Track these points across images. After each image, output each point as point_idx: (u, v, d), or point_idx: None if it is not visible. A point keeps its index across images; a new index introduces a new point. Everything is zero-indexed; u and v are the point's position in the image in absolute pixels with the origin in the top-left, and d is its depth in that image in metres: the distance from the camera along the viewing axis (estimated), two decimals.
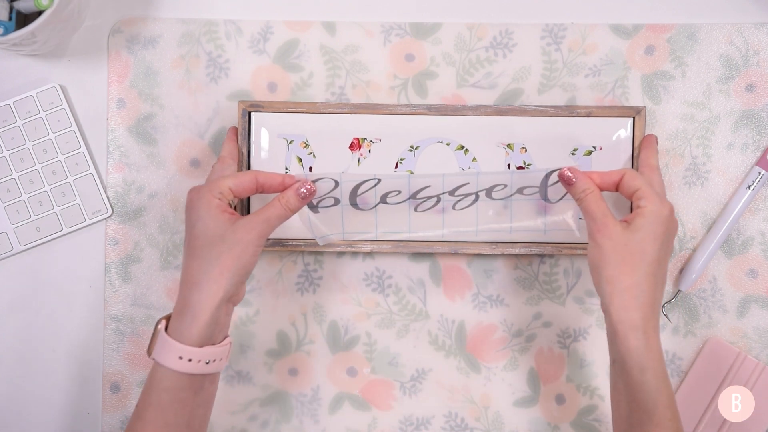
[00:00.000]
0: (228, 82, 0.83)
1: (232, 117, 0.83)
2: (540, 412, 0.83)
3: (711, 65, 0.82)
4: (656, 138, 0.79)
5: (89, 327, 0.84)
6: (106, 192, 0.84)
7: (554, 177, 0.76)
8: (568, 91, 0.83)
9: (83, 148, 0.83)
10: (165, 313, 0.83)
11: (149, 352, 0.70)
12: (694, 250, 0.82)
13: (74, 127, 0.83)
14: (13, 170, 0.83)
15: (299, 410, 0.84)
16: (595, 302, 0.83)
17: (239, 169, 0.79)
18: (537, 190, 0.77)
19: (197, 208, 0.70)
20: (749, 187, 0.81)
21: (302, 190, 0.73)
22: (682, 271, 0.82)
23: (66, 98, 0.83)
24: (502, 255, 0.83)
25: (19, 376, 0.84)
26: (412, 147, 0.80)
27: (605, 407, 0.83)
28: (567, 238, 0.79)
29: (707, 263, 0.82)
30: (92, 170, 0.83)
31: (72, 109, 0.84)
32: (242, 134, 0.79)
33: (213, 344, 0.69)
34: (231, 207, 0.72)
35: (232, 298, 0.70)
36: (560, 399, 0.83)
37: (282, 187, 0.74)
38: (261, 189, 0.73)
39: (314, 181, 0.75)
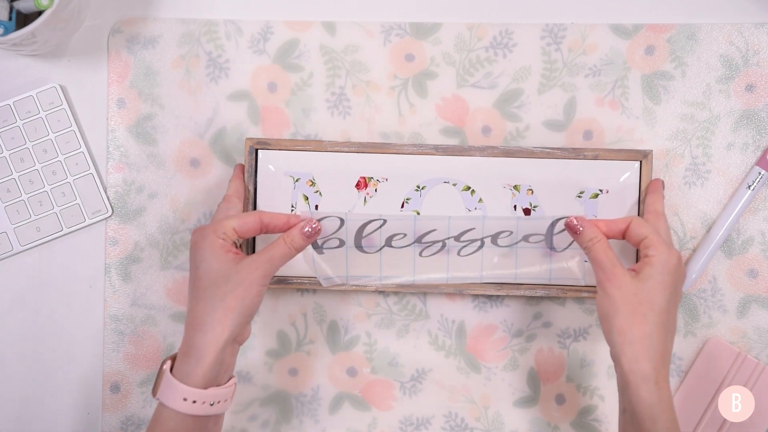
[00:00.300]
0: (228, 82, 0.83)
1: (232, 117, 0.83)
2: (540, 412, 0.83)
3: (711, 65, 0.82)
4: (663, 183, 0.79)
5: (89, 327, 0.84)
6: (106, 192, 0.84)
7: (560, 225, 0.77)
8: (568, 91, 0.83)
9: (83, 148, 0.83)
10: (164, 313, 0.83)
11: (154, 392, 0.70)
12: (694, 250, 0.82)
13: (74, 127, 0.83)
14: (13, 170, 0.83)
15: (299, 410, 0.84)
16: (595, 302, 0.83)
17: (245, 208, 0.79)
18: (542, 238, 0.78)
19: (201, 249, 0.71)
20: (749, 187, 0.81)
21: (307, 229, 0.73)
22: None
23: (66, 98, 0.83)
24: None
25: (19, 376, 0.84)
26: (418, 187, 0.80)
27: (605, 407, 0.83)
28: (572, 282, 0.80)
29: (707, 263, 0.82)
30: (92, 170, 0.83)
31: (72, 109, 0.84)
32: (249, 171, 0.80)
33: (218, 385, 0.69)
34: (236, 246, 0.72)
35: (237, 338, 0.71)
36: (560, 399, 0.83)
37: (287, 226, 0.74)
38: (265, 229, 0.74)
39: (320, 220, 0.76)
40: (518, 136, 0.83)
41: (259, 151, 0.80)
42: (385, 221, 0.78)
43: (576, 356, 0.83)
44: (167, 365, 0.70)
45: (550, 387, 0.83)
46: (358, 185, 0.80)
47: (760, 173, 0.81)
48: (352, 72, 0.83)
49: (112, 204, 0.84)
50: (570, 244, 0.78)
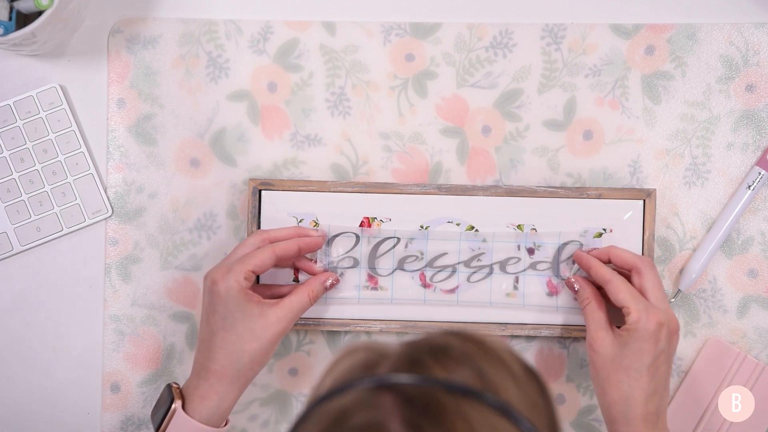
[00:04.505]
0: (228, 82, 0.83)
1: (232, 117, 0.83)
2: None
3: (711, 65, 0.82)
4: (582, 251, 0.79)
5: (89, 327, 0.84)
6: (106, 192, 0.84)
7: (566, 252, 0.79)
8: (568, 91, 0.83)
9: (83, 148, 0.83)
10: (164, 313, 0.83)
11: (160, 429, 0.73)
12: (694, 250, 0.82)
13: (74, 127, 0.83)
14: (13, 170, 0.83)
15: (299, 410, 0.84)
16: None
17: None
18: (549, 265, 0.80)
19: (224, 301, 0.72)
20: (749, 187, 0.81)
21: (327, 283, 0.77)
22: (682, 271, 0.82)
23: (66, 98, 0.83)
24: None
25: (19, 376, 0.84)
26: (422, 226, 0.80)
27: None
28: (577, 321, 0.80)
29: (707, 263, 0.82)
30: (92, 170, 0.83)
31: (72, 109, 0.84)
32: (252, 212, 0.80)
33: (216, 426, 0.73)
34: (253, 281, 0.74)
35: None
36: (560, 399, 0.83)
37: (298, 253, 0.76)
38: (279, 262, 0.76)
39: (335, 236, 0.79)
40: (518, 136, 0.83)
41: (262, 191, 0.80)
42: (398, 239, 0.80)
43: (576, 356, 0.83)
44: (178, 404, 0.72)
45: (550, 387, 0.83)
46: (361, 225, 0.80)
47: (760, 173, 0.81)
48: (352, 72, 0.83)
49: (112, 204, 0.84)
50: (575, 272, 0.80)
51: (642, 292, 0.73)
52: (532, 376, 0.51)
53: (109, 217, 0.84)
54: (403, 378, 0.47)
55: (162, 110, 0.84)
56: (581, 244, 0.80)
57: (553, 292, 0.80)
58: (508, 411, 0.46)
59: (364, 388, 0.47)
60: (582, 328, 0.80)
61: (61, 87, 0.83)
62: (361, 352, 0.51)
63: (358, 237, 0.80)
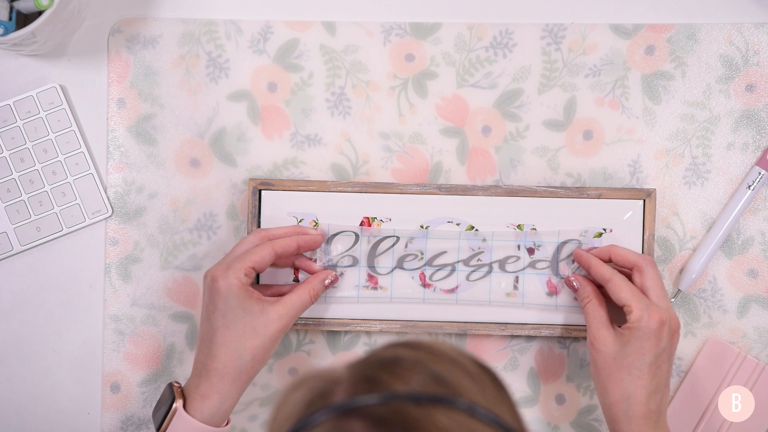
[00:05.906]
0: (228, 82, 0.83)
1: (232, 117, 0.83)
2: (540, 412, 0.83)
3: (711, 65, 0.82)
4: (581, 249, 0.79)
5: (89, 327, 0.84)
6: (106, 192, 0.84)
7: (565, 251, 0.80)
8: (568, 91, 0.83)
9: (83, 148, 0.83)
10: (164, 313, 0.83)
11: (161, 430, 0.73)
12: (694, 250, 0.82)
13: (74, 127, 0.83)
14: (13, 170, 0.83)
15: None
16: None
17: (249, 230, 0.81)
18: (548, 264, 0.80)
19: (225, 298, 0.72)
20: (749, 187, 0.81)
21: (327, 281, 0.77)
22: (682, 271, 0.82)
23: (66, 98, 0.83)
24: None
25: (19, 376, 0.84)
26: (422, 226, 0.80)
27: None
28: (577, 321, 0.80)
29: (707, 263, 0.82)
30: (92, 170, 0.83)
31: (72, 109, 0.84)
32: (252, 212, 0.80)
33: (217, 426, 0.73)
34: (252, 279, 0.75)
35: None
36: (560, 399, 0.83)
37: (297, 250, 0.76)
38: (278, 258, 0.76)
39: (335, 235, 0.79)
40: (518, 136, 0.83)
41: (262, 191, 0.80)
42: (398, 239, 0.80)
43: (576, 356, 0.83)
44: (179, 404, 0.72)
45: (550, 387, 0.83)
46: (361, 225, 0.80)
47: (760, 173, 0.81)
48: (352, 72, 0.83)
49: (112, 204, 0.84)
50: (575, 271, 0.80)
51: (643, 291, 0.73)
52: (484, 370, 0.51)
53: (109, 217, 0.84)
54: (368, 399, 0.46)
55: (162, 110, 0.84)
56: (580, 243, 0.80)
57: (552, 292, 0.80)
58: (476, 410, 0.46)
59: (328, 419, 0.46)
60: (582, 328, 0.80)
61: (61, 87, 0.83)
62: (309, 382, 0.49)
63: (357, 236, 0.80)
